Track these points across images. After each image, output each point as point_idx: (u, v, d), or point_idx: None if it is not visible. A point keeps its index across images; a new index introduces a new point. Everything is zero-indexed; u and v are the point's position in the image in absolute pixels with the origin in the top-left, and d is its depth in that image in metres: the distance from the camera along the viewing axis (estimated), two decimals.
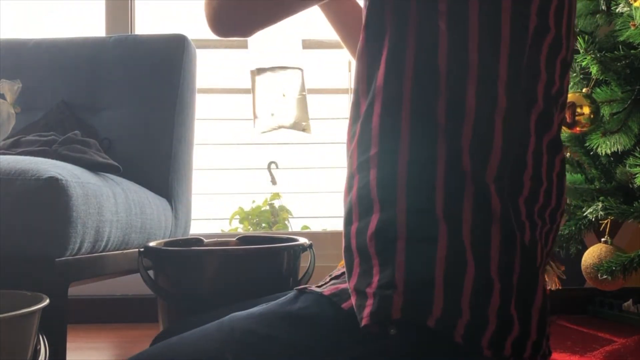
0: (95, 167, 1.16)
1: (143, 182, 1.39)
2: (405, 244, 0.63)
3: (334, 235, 2.02)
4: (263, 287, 1.00)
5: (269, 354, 0.65)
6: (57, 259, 0.96)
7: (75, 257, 1.01)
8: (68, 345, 1.02)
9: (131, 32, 2.07)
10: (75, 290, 1.14)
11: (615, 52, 1.34)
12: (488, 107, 0.64)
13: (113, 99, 1.56)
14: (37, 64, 1.60)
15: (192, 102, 1.64)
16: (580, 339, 1.57)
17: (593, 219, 1.41)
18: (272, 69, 0.99)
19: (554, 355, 1.39)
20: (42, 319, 0.82)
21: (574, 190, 1.45)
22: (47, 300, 0.82)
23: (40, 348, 0.84)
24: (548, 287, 1.45)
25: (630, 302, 1.83)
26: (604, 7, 1.47)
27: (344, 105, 2.18)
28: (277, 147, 2.29)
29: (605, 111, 1.40)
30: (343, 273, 0.75)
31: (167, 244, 1.21)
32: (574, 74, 1.47)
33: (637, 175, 1.28)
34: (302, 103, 0.99)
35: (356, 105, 0.71)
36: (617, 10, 1.38)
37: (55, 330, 0.94)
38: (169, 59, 1.59)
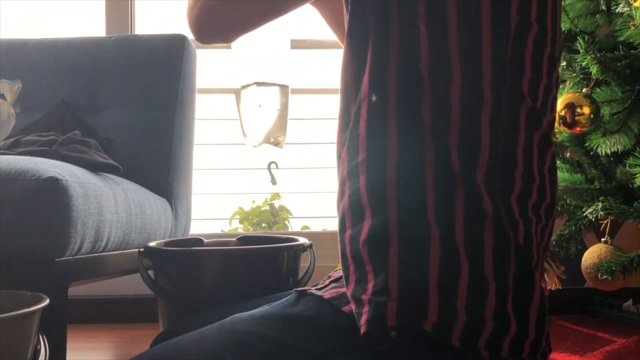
0: (95, 167, 1.16)
1: (143, 182, 1.39)
2: (398, 249, 0.63)
3: (334, 235, 2.01)
4: (263, 287, 1.00)
5: (270, 356, 0.65)
6: (57, 259, 0.96)
7: (75, 257, 1.01)
8: (68, 345, 1.02)
9: (131, 32, 2.07)
10: (75, 290, 1.14)
11: (615, 52, 1.34)
12: (474, 107, 0.64)
13: (113, 99, 1.56)
14: (37, 64, 1.60)
15: (192, 102, 1.64)
16: (580, 339, 1.57)
17: (593, 219, 1.41)
18: (258, 83, 1.00)
19: (554, 355, 1.40)
20: (42, 319, 0.82)
21: (574, 190, 1.45)
22: (47, 300, 0.82)
23: (40, 348, 0.84)
24: (548, 287, 1.45)
25: (630, 302, 1.83)
26: (604, 7, 1.47)
27: None
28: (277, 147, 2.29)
29: (605, 111, 1.40)
30: (342, 276, 0.75)
31: (167, 244, 1.21)
32: (574, 74, 1.47)
33: (637, 175, 1.28)
34: (283, 118, 1.01)
35: (345, 112, 0.71)
36: (617, 10, 1.38)
37: (55, 330, 0.95)
38: (169, 59, 1.59)
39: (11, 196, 0.94)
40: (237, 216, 2.39)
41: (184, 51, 1.60)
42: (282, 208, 2.42)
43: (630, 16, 1.34)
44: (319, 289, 0.74)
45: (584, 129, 1.38)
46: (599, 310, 1.89)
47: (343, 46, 1.01)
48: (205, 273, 1.06)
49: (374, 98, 0.66)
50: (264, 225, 2.41)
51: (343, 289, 0.70)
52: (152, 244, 1.14)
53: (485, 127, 0.64)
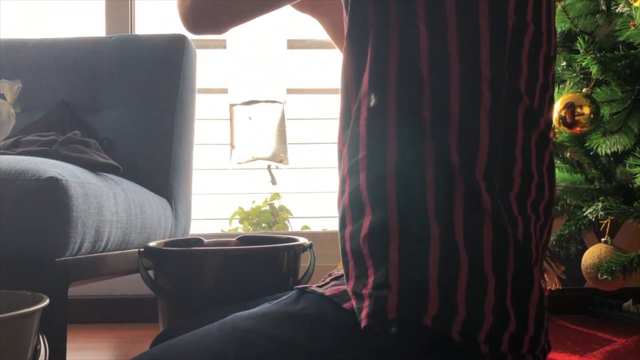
0: (95, 167, 1.16)
1: (143, 182, 1.39)
2: (398, 244, 0.63)
3: (334, 235, 2.01)
4: (263, 287, 1.00)
5: (271, 354, 0.65)
6: (57, 259, 0.96)
7: (75, 257, 1.01)
8: (68, 345, 1.02)
9: (131, 32, 2.07)
10: (75, 290, 1.14)
11: (615, 52, 1.34)
12: (472, 106, 0.64)
13: (113, 99, 1.56)
14: (37, 64, 1.60)
15: (192, 102, 1.64)
16: (580, 339, 1.57)
17: (593, 219, 1.41)
18: (253, 101, 1.00)
19: (554, 355, 1.39)
20: (42, 319, 0.82)
21: (574, 190, 1.45)
22: (47, 300, 0.82)
23: (40, 348, 0.84)
24: (548, 287, 1.45)
25: (630, 302, 1.83)
26: (604, 7, 1.47)
27: None
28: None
29: (605, 111, 1.40)
30: (343, 274, 0.75)
31: (167, 244, 1.21)
32: (574, 74, 1.47)
33: (637, 175, 1.28)
34: (281, 135, 1.01)
35: (346, 111, 0.72)
36: (617, 10, 1.38)
37: (55, 330, 0.95)
38: (169, 59, 1.59)
39: (11, 196, 0.94)
40: (237, 216, 2.39)
41: (184, 51, 1.60)
42: (282, 208, 2.42)
43: (630, 16, 1.34)
44: (320, 287, 0.74)
45: (584, 129, 1.38)
46: (599, 310, 1.89)
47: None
48: (205, 273, 1.06)
49: (373, 97, 0.67)
50: (264, 225, 2.41)
51: (344, 287, 0.70)
52: (152, 244, 1.14)
53: (484, 125, 0.64)
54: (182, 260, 1.07)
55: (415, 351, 0.63)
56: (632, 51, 1.34)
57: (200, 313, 0.88)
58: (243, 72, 1.01)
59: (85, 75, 1.58)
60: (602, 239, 1.52)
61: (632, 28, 1.32)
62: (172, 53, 1.59)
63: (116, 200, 1.14)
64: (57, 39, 1.66)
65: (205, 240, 1.26)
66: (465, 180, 0.63)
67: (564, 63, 1.49)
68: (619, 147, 1.36)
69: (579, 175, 1.49)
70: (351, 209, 0.68)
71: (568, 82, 1.50)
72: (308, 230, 2.32)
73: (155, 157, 1.51)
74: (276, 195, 2.41)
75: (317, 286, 0.75)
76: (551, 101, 0.72)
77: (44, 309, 0.81)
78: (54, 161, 1.07)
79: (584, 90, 1.42)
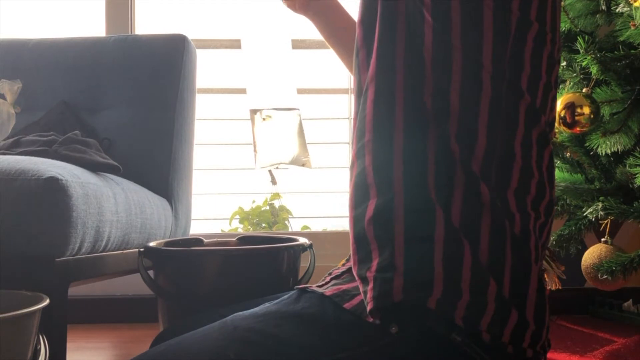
0: (95, 167, 1.16)
1: (143, 182, 1.39)
2: (404, 227, 0.64)
3: (334, 235, 2.02)
4: (263, 287, 1.00)
5: (272, 353, 0.66)
6: (57, 259, 0.96)
7: (75, 257, 1.01)
8: (68, 345, 1.02)
9: (131, 32, 2.07)
10: (75, 290, 1.14)
11: (615, 52, 1.34)
12: (473, 97, 0.65)
13: (113, 99, 1.56)
14: (37, 64, 1.60)
15: (192, 102, 1.64)
16: (580, 339, 1.57)
17: (593, 219, 1.41)
18: (272, 109, 1.02)
19: (554, 355, 1.39)
20: (42, 319, 0.82)
21: (574, 190, 1.45)
22: (47, 300, 0.82)
23: (40, 348, 0.84)
24: (548, 287, 1.45)
25: (630, 302, 1.83)
26: (604, 7, 1.47)
27: (343, 105, 2.18)
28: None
29: (605, 111, 1.40)
30: (343, 272, 0.75)
31: (167, 244, 1.21)
32: (574, 74, 1.47)
33: (637, 175, 1.28)
34: (302, 139, 1.03)
35: (359, 95, 0.73)
36: (617, 10, 1.38)
37: (55, 330, 0.94)
38: (169, 59, 1.59)
39: (11, 196, 0.94)
40: (237, 216, 2.39)
41: (184, 51, 1.60)
42: (282, 208, 2.42)
43: (630, 16, 1.34)
44: (320, 287, 0.74)
45: (584, 129, 1.38)
46: (599, 310, 1.89)
47: (342, 63, 1.04)
48: (205, 273, 1.06)
49: (380, 81, 0.68)
50: (264, 225, 2.41)
51: (344, 286, 0.70)
52: (152, 244, 1.14)
53: (483, 118, 0.65)
54: (182, 260, 1.07)
55: (416, 352, 0.64)
56: (632, 51, 1.34)
57: (201, 313, 0.88)
58: (259, 75, 1.02)
59: (85, 75, 1.58)
60: (602, 239, 1.52)
61: (632, 28, 1.32)
62: (172, 53, 1.59)
63: (116, 200, 1.14)
64: (57, 39, 1.66)
65: (205, 240, 1.26)
66: (465, 170, 0.64)
67: (564, 63, 1.49)
68: (619, 147, 1.36)
69: (579, 175, 1.49)
70: (355, 193, 0.69)
71: (568, 82, 1.50)
72: (308, 230, 2.32)
73: (155, 157, 1.51)
74: (276, 195, 2.40)
75: (317, 286, 0.75)
76: (554, 102, 0.73)
77: (44, 309, 0.81)
78: (54, 161, 1.07)
79: (584, 90, 1.42)
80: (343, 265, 0.78)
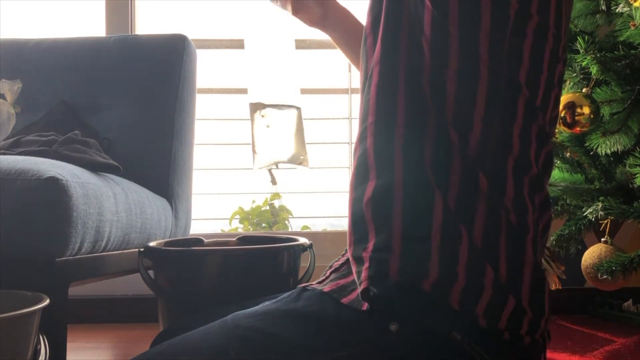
0: (95, 167, 1.16)
1: (143, 182, 1.39)
2: (402, 209, 0.65)
3: (334, 235, 2.02)
4: (263, 287, 1.00)
5: (272, 352, 0.66)
6: (57, 259, 0.96)
7: (75, 257, 1.01)
8: (68, 345, 1.02)
9: (131, 32, 2.07)
10: (75, 290, 1.14)
11: (615, 52, 1.34)
12: (469, 86, 0.65)
13: (113, 99, 1.56)
14: (37, 64, 1.60)
15: (192, 102, 1.64)
16: (580, 339, 1.57)
17: (593, 219, 1.41)
18: (271, 106, 1.02)
19: (554, 355, 1.39)
20: (42, 319, 0.82)
21: (574, 190, 1.45)
22: (47, 300, 0.82)
23: (40, 348, 0.84)
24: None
25: (630, 302, 1.83)
26: (604, 7, 1.47)
27: (343, 105, 2.18)
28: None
29: (605, 111, 1.40)
30: (342, 264, 0.76)
31: (167, 244, 1.21)
32: (574, 74, 1.47)
33: (637, 175, 1.28)
34: (300, 138, 1.03)
35: (364, 80, 0.75)
36: (617, 10, 1.38)
37: (55, 330, 0.94)
38: (169, 59, 1.59)
39: (11, 196, 0.94)
40: (237, 216, 2.39)
41: (184, 51, 1.60)
42: (282, 208, 2.42)
43: (630, 16, 1.34)
44: (321, 282, 0.74)
45: (584, 129, 1.38)
46: (599, 310, 1.89)
47: (356, 68, 1.05)
48: (205, 273, 1.06)
49: (384, 65, 0.69)
50: (264, 225, 2.41)
51: (342, 281, 0.70)
52: (152, 244, 1.14)
53: (480, 107, 0.65)
54: (182, 260, 1.07)
55: (416, 350, 0.64)
56: (632, 51, 1.34)
57: (201, 312, 0.88)
58: (261, 74, 1.03)
59: (85, 75, 1.58)
60: (602, 239, 1.52)
61: (632, 28, 1.32)
62: (172, 53, 1.59)
63: (116, 200, 1.14)
64: (57, 39, 1.66)
65: (205, 240, 1.26)
66: (462, 157, 0.65)
67: None
68: (619, 147, 1.36)
69: (579, 175, 1.49)
70: (356, 174, 0.70)
71: (568, 82, 1.50)
72: (308, 230, 2.32)
73: (155, 157, 1.51)
74: (276, 195, 2.40)
75: (318, 282, 0.75)
76: (557, 100, 0.72)
77: (44, 309, 0.81)
78: (54, 161, 1.07)
79: (584, 90, 1.42)
80: (343, 255, 0.78)
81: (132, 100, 1.55)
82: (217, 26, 2.28)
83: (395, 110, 0.67)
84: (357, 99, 2.08)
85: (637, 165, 1.28)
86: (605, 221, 1.49)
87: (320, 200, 2.36)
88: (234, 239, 1.31)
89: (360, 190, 0.69)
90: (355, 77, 2.16)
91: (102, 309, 1.92)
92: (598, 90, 1.40)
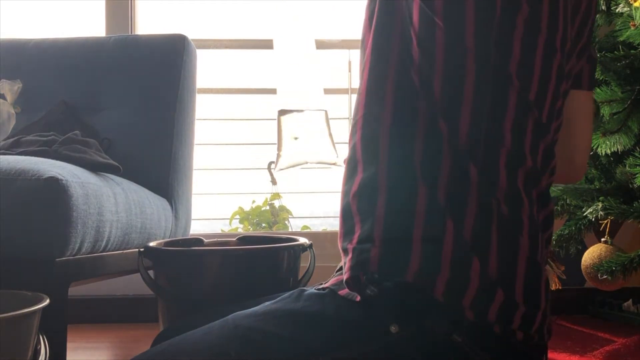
0: (95, 167, 1.16)
1: (143, 182, 1.39)
2: (386, 200, 0.65)
3: (334, 235, 2.01)
4: (263, 287, 1.00)
5: (273, 351, 0.66)
6: (57, 259, 0.96)
7: (75, 257, 1.01)
8: (68, 345, 1.02)
9: (131, 32, 2.07)
10: (75, 290, 1.14)
11: (615, 52, 1.34)
12: (456, 76, 0.65)
13: (113, 99, 1.56)
14: (37, 64, 1.60)
15: (192, 102, 1.64)
16: (580, 339, 1.57)
17: (593, 219, 1.41)
18: (298, 110, 1.03)
19: (554, 355, 1.40)
20: (42, 319, 0.82)
21: (574, 190, 1.45)
22: (47, 300, 0.82)
23: (40, 348, 0.84)
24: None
25: (630, 302, 1.83)
26: (604, 7, 1.47)
27: (343, 105, 2.18)
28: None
29: (605, 111, 1.40)
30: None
31: (167, 244, 1.21)
32: None
33: (637, 175, 1.28)
34: (326, 141, 1.04)
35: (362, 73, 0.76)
36: (617, 10, 1.38)
37: (55, 330, 0.94)
38: (169, 59, 1.59)
39: (11, 196, 0.94)
40: (237, 216, 2.39)
41: (184, 51, 1.60)
42: (282, 208, 2.42)
43: (630, 16, 1.34)
44: (325, 282, 0.74)
45: None
46: (599, 310, 1.89)
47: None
48: (205, 273, 1.06)
49: (375, 57, 0.69)
50: (264, 225, 2.41)
51: (342, 277, 0.70)
52: (152, 244, 1.14)
53: (468, 98, 0.65)
54: (182, 260, 1.07)
55: (416, 352, 0.63)
56: (632, 51, 1.34)
57: (201, 312, 0.88)
58: (288, 76, 1.03)
59: (85, 75, 1.58)
60: (602, 239, 1.52)
61: (632, 28, 1.33)
62: (172, 53, 1.59)
63: (116, 200, 1.14)
64: (57, 39, 1.66)
65: (205, 240, 1.26)
66: (452, 149, 0.65)
67: None
68: (619, 147, 1.36)
69: None
70: (347, 168, 0.71)
71: None
72: (308, 230, 2.32)
73: (155, 157, 1.51)
74: (276, 195, 2.40)
75: (324, 282, 0.75)
76: (556, 92, 0.71)
77: (44, 309, 0.81)
78: (54, 161, 1.07)
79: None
80: None
81: (132, 100, 1.55)
82: (217, 26, 2.28)
83: (383, 103, 0.68)
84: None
85: (637, 165, 1.28)
86: (605, 221, 1.49)
87: (320, 200, 2.36)
88: (234, 239, 1.31)
89: (349, 183, 0.69)
90: (355, 77, 2.17)
91: (102, 309, 1.92)
92: (598, 90, 1.40)
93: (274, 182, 2.36)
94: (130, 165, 1.36)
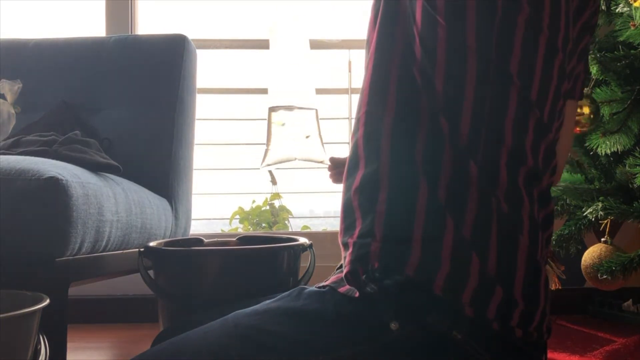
0: (95, 167, 1.16)
1: (143, 182, 1.39)
2: (387, 196, 0.66)
3: (334, 235, 2.01)
4: (263, 287, 1.00)
5: (273, 350, 0.66)
6: (57, 259, 0.96)
7: (75, 257, 1.01)
8: (68, 345, 1.02)
9: (131, 32, 2.07)
10: (75, 290, 1.14)
11: (615, 52, 1.34)
12: (457, 74, 0.66)
13: (113, 99, 1.56)
14: (37, 64, 1.60)
15: (192, 102, 1.64)
16: (580, 339, 1.57)
17: (593, 219, 1.41)
18: (288, 107, 1.03)
19: (554, 355, 1.39)
20: (42, 319, 0.82)
21: (573, 190, 1.45)
22: (47, 300, 0.82)
23: (40, 348, 0.84)
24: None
25: (630, 302, 1.83)
26: (604, 7, 1.47)
27: (343, 105, 2.18)
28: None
29: (605, 111, 1.40)
30: None
31: (167, 244, 1.21)
32: None
33: (637, 175, 1.28)
34: (316, 141, 1.04)
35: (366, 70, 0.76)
36: (617, 10, 1.38)
37: (55, 330, 0.94)
38: (169, 59, 1.59)
39: (11, 196, 0.94)
40: (237, 216, 2.39)
41: (184, 51, 1.60)
42: (282, 208, 2.42)
43: (630, 16, 1.34)
44: (325, 280, 0.74)
45: (584, 129, 1.39)
46: (599, 310, 1.89)
47: None
48: (205, 273, 1.06)
49: (379, 54, 0.70)
50: (264, 225, 2.41)
51: (342, 274, 0.71)
52: (152, 244, 1.14)
53: (469, 96, 0.65)
54: (182, 260, 1.07)
55: (416, 349, 0.63)
56: (632, 51, 1.34)
57: (201, 312, 0.88)
58: (280, 75, 1.04)
59: (85, 75, 1.58)
60: (602, 239, 1.52)
61: (632, 28, 1.33)
62: (172, 53, 1.59)
63: (116, 200, 1.14)
64: (57, 39, 1.66)
65: (205, 240, 1.26)
66: (453, 146, 0.65)
67: None
68: (618, 147, 1.36)
69: (579, 175, 1.49)
70: (349, 164, 0.71)
71: None
72: (308, 230, 2.32)
73: (155, 157, 1.51)
74: (276, 195, 2.40)
75: (324, 281, 0.75)
76: (557, 92, 0.71)
77: (44, 309, 0.81)
78: (54, 161, 1.07)
79: (584, 90, 1.42)
80: None
81: (132, 100, 1.55)
82: (217, 26, 2.28)
83: (386, 100, 0.68)
84: (357, 99, 2.08)
85: (637, 165, 1.28)
86: (605, 221, 1.50)
87: (320, 200, 2.36)
88: (234, 239, 1.31)
89: (351, 179, 0.70)
90: (355, 77, 2.17)
91: (102, 309, 1.92)
92: (598, 90, 1.40)
93: (274, 182, 2.36)
94: (130, 165, 1.36)
